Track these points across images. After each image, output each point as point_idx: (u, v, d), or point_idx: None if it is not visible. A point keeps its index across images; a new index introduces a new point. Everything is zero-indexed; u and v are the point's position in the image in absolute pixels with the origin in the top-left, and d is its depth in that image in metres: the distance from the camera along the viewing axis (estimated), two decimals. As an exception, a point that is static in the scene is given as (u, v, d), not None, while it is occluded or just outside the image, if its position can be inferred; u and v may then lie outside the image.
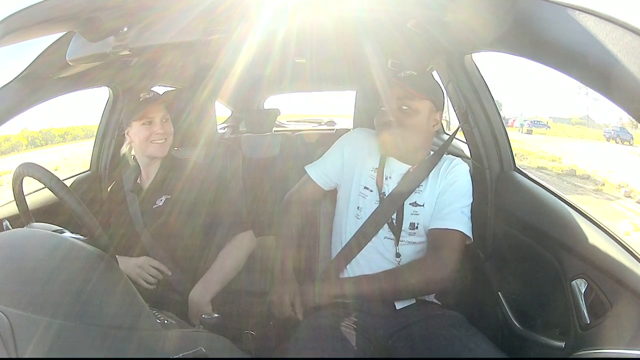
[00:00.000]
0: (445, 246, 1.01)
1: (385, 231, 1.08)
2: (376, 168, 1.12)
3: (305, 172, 1.25)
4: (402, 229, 1.07)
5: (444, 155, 1.13)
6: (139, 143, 1.22)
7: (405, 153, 1.10)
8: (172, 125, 1.27)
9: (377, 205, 1.09)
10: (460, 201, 1.05)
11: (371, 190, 1.11)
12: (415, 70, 1.10)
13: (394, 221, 1.08)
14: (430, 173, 1.09)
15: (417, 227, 1.07)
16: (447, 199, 1.06)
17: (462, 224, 1.03)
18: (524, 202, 1.03)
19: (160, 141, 1.21)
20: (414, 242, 1.08)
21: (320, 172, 1.22)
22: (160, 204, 1.20)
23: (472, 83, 1.21)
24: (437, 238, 1.03)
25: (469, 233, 1.03)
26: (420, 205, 1.07)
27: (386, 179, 1.11)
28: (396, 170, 1.11)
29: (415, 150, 1.10)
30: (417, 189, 1.08)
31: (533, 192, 1.06)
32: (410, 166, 1.10)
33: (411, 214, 1.07)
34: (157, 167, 1.27)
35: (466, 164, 1.13)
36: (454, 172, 1.09)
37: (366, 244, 1.08)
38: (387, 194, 1.09)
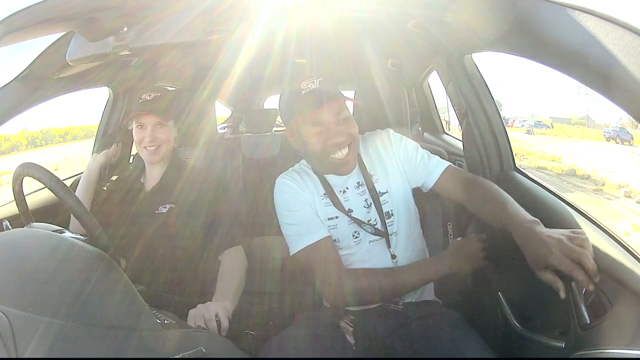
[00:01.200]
0: (460, 175, 1.05)
1: (368, 235, 1.04)
2: (324, 193, 1.05)
3: (306, 245, 0.99)
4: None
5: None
6: (135, 145, 1.23)
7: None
8: (175, 129, 1.26)
9: (351, 224, 1.03)
10: (425, 154, 1.08)
11: (337, 217, 1.03)
12: (323, 72, 1.02)
13: (376, 220, 1.04)
14: (374, 159, 1.08)
15: (392, 215, 1.05)
16: (415, 160, 1.07)
17: (442, 162, 1.07)
18: (524, 202, 1.03)
19: (151, 148, 1.20)
20: (395, 232, 1.05)
21: (321, 226, 1.02)
22: (164, 211, 1.20)
23: (472, 83, 1.20)
24: (448, 181, 1.05)
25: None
26: (385, 193, 1.05)
27: (343, 192, 1.05)
28: (344, 182, 1.06)
29: None
30: (372, 179, 1.06)
31: (533, 192, 1.06)
32: (350, 172, 1.06)
33: (382, 204, 1.05)
34: (161, 170, 1.26)
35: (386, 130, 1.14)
36: (391, 142, 1.09)
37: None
38: (353, 210, 1.04)
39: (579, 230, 0.71)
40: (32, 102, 1.18)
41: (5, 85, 1.12)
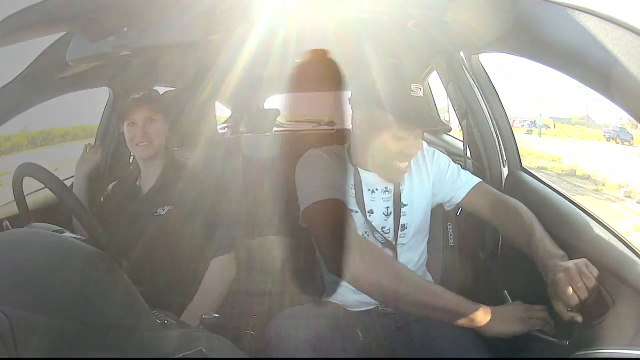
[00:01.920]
0: (489, 192, 1.04)
1: (377, 242, 1.02)
2: (353, 185, 1.03)
3: (320, 200, 0.92)
4: None
5: None
6: (127, 144, 1.24)
7: None
8: (166, 125, 1.26)
9: (365, 224, 1.01)
10: (455, 169, 1.08)
11: (356, 212, 1.02)
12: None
13: (389, 230, 1.03)
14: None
15: (406, 228, 1.05)
16: (445, 175, 1.07)
17: (472, 178, 1.06)
18: (530, 202, 1.04)
19: (143, 144, 1.20)
20: (403, 244, 1.05)
21: (340, 189, 0.97)
22: (163, 213, 1.19)
23: (477, 82, 1.21)
24: (476, 199, 1.05)
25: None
26: (405, 205, 1.05)
27: (371, 192, 1.04)
28: (376, 183, 1.05)
29: None
30: (400, 189, 1.06)
31: (539, 192, 1.06)
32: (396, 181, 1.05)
33: (400, 216, 1.05)
34: (157, 171, 1.26)
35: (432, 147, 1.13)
36: (424, 156, 1.08)
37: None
38: (373, 212, 1.03)
39: (591, 268, 0.73)
40: (32, 102, 1.18)
41: (5, 85, 1.12)
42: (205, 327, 0.88)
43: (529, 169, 1.23)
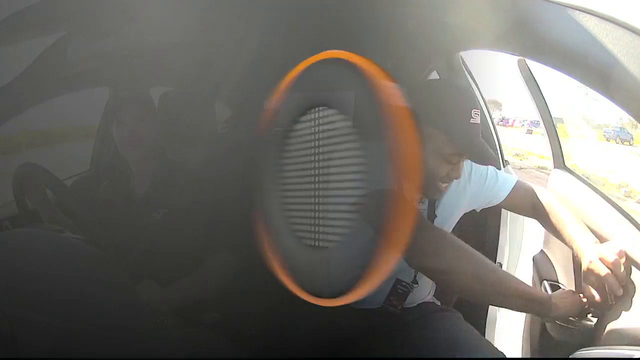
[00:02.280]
0: (524, 189, 1.04)
1: None
2: None
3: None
4: None
5: None
6: (117, 145, 1.18)
7: None
8: (157, 125, 1.21)
9: None
10: (493, 173, 1.05)
11: None
12: None
13: None
14: None
15: None
16: (487, 182, 1.05)
17: (510, 179, 1.05)
18: (572, 199, 1.05)
19: (132, 144, 1.15)
20: None
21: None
22: (158, 217, 1.17)
23: (527, 85, 1.24)
24: (515, 198, 1.04)
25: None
26: (436, 217, 1.03)
27: None
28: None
29: None
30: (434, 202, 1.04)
31: (580, 192, 1.07)
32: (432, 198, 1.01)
33: None
34: (150, 173, 1.22)
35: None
36: (467, 171, 1.04)
37: None
38: None
39: (617, 249, 0.75)
40: (32, 102, 1.18)
41: (5, 85, 1.12)
42: (205, 327, 0.88)
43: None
